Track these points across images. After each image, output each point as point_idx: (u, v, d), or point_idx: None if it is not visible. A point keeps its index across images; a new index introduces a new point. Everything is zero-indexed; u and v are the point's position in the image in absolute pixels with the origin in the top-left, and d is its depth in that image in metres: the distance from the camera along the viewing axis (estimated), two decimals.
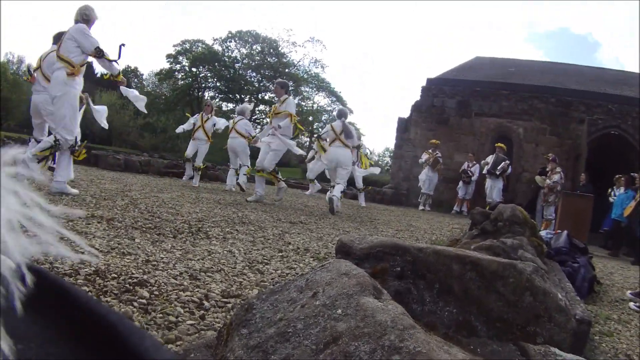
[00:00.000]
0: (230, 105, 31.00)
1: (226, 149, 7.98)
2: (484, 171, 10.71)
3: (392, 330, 0.90)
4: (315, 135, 8.57)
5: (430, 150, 11.36)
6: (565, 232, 4.10)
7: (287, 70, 30.78)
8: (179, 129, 8.37)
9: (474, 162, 11.45)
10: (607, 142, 11.61)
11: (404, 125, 13.49)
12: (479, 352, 1.19)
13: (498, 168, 10.35)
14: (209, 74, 31.96)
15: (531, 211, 8.74)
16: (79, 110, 4.59)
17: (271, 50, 32.13)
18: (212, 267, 2.32)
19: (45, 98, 5.37)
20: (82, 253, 0.44)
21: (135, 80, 35.41)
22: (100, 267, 1.97)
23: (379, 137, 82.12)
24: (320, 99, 34.24)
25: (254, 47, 32.42)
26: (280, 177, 6.59)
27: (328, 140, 6.92)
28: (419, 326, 0.98)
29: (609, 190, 9.68)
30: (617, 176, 9.32)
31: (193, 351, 1.21)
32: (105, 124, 5.09)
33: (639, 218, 7.36)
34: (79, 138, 4.46)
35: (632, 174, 8.21)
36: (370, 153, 11.34)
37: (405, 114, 13.76)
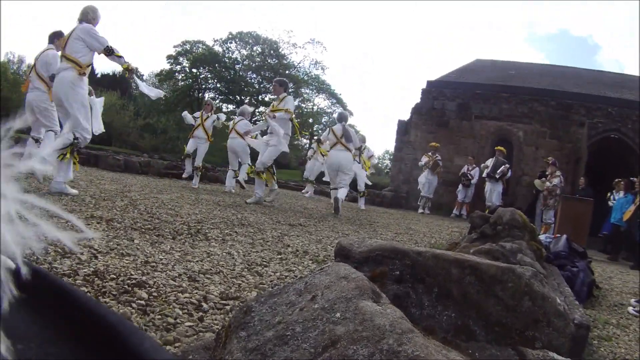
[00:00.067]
0: (231, 107, 31.03)
1: (226, 149, 8.01)
2: (484, 174, 10.71)
3: (390, 334, 0.90)
4: (315, 138, 8.58)
5: (430, 153, 11.37)
6: (564, 236, 4.10)
7: (287, 71, 30.80)
8: (185, 115, 8.36)
9: (474, 165, 11.45)
10: (607, 145, 11.62)
11: (404, 128, 13.50)
12: (477, 357, 1.19)
13: (498, 172, 10.35)
14: (209, 75, 31.98)
15: (531, 215, 8.74)
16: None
17: (271, 52, 32.17)
18: (211, 269, 2.32)
19: (39, 95, 5.42)
20: (78, 232, 0.43)
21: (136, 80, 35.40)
22: (99, 268, 1.97)
23: (379, 139, 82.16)
24: (321, 101, 34.29)
25: (255, 48, 32.45)
26: (275, 178, 6.53)
27: (329, 143, 6.95)
28: (418, 330, 0.98)
29: (608, 194, 9.69)
30: (616, 180, 9.33)
31: (191, 353, 1.21)
32: (101, 125, 5.10)
33: (638, 222, 7.36)
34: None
35: (631, 178, 8.22)
36: (375, 158, 11.33)
37: (405, 115, 13.79)
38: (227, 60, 31.96)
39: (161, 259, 2.34)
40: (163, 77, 32.02)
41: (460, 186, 11.46)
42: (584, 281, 3.24)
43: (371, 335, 0.90)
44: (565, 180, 10.07)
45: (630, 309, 3.20)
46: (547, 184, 9.12)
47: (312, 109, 33.37)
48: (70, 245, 0.38)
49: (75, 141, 4.21)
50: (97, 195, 4.34)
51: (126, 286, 1.81)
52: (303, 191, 11.22)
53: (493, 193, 10.41)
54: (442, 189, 11.91)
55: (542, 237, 3.97)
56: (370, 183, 9.49)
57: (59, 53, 4.35)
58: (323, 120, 33.00)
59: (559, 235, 4.42)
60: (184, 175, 8.48)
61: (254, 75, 32.04)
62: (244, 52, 32.64)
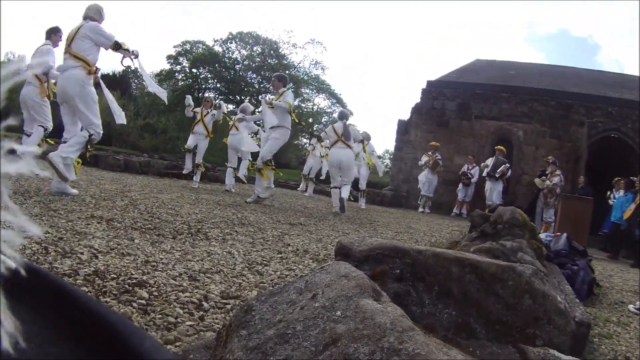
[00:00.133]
0: (231, 107, 30.99)
1: (226, 148, 8.04)
2: (484, 174, 10.71)
3: (391, 332, 0.90)
4: (315, 133, 8.56)
5: (430, 153, 11.37)
6: (564, 234, 4.10)
7: (287, 71, 30.73)
8: (188, 98, 8.34)
9: (474, 165, 11.45)
10: (607, 145, 11.62)
11: (404, 127, 13.50)
12: (478, 355, 1.19)
13: (498, 171, 10.35)
14: (209, 75, 31.95)
15: (531, 214, 8.74)
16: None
17: (271, 52, 32.14)
18: (211, 268, 2.32)
19: (31, 90, 5.49)
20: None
21: (136, 81, 35.39)
22: (99, 268, 1.97)
23: (379, 139, 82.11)
24: (321, 101, 34.26)
25: (255, 48, 32.42)
26: (273, 174, 6.35)
27: (330, 141, 6.99)
28: (418, 328, 0.98)
29: (608, 192, 9.69)
30: (616, 179, 9.33)
31: (192, 352, 1.21)
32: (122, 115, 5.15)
33: (638, 221, 7.37)
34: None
35: (631, 178, 8.22)
36: (378, 157, 11.32)
37: (405, 115, 13.78)
38: (227, 60, 31.93)
39: (162, 259, 2.34)
40: (163, 77, 31.96)
41: (460, 185, 11.46)
42: (584, 279, 3.24)
43: (372, 334, 0.90)
44: (565, 180, 10.07)
45: (630, 306, 3.20)
46: (547, 183, 9.12)
47: (312, 109, 33.36)
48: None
49: (91, 137, 4.29)
50: (98, 195, 4.34)
51: (127, 286, 1.81)
52: (299, 188, 11.22)
53: (493, 192, 10.41)
54: (442, 188, 11.91)
55: (542, 235, 3.97)
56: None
57: (63, 50, 4.36)
58: (323, 120, 32.96)
59: (559, 233, 4.43)
60: (184, 172, 8.48)
61: (254, 75, 32.02)
62: (244, 52, 32.62)
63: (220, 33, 70.02)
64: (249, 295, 1.99)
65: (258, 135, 8.20)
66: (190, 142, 8.10)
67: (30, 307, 0.41)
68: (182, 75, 31.76)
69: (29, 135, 5.68)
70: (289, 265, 2.70)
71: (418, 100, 13.32)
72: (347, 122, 6.96)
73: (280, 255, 2.93)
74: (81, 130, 4.28)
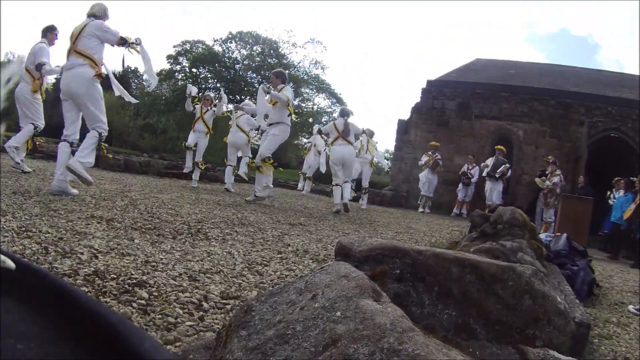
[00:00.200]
0: (231, 106, 30.96)
1: (226, 147, 8.06)
2: (484, 174, 10.71)
3: (391, 333, 0.90)
4: (315, 126, 8.58)
5: (430, 153, 11.36)
6: (564, 234, 4.10)
7: (287, 71, 30.75)
8: (190, 86, 8.36)
9: (474, 165, 11.45)
10: (607, 144, 11.62)
11: (404, 127, 13.50)
12: (478, 355, 1.19)
13: (497, 171, 10.35)
14: (209, 75, 31.96)
15: (531, 214, 8.74)
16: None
17: (271, 52, 32.15)
18: (211, 269, 2.32)
19: (24, 87, 5.54)
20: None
21: (136, 81, 35.39)
22: (99, 268, 1.97)
23: (379, 139, 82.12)
24: (321, 101, 34.27)
25: (254, 48, 32.43)
26: (271, 171, 6.29)
27: (331, 138, 7.02)
28: (418, 329, 0.98)
29: (608, 192, 9.69)
30: (616, 179, 9.33)
31: (192, 352, 1.21)
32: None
33: (638, 221, 7.36)
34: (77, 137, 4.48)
35: (631, 178, 8.22)
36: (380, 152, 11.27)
37: (405, 114, 13.78)
38: (227, 60, 31.94)
39: (161, 259, 2.34)
40: (163, 77, 31.96)
41: (460, 185, 11.46)
42: (584, 280, 3.24)
43: (372, 334, 0.90)
44: (565, 179, 10.07)
45: (630, 307, 3.20)
46: (547, 183, 9.12)
47: (312, 108, 33.36)
48: None
49: (101, 136, 4.36)
50: (97, 195, 4.34)
51: (127, 286, 1.81)
52: (299, 187, 11.24)
53: (493, 192, 10.41)
54: (442, 188, 11.91)
55: (542, 235, 3.97)
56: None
57: (66, 48, 4.38)
58: (323, 119, 32.97)
59: (559, 234, 4.43)
60: (184, 171, 8.48)
61: (254, 75, 32.02)
62: (244, 51, 32.62)
63: (220, 33, 70.13)
64: (248, 295, 1.99)
65: (259, 132, 8.20)
66: (191, 140, 8.12)
67: (30, 307, 0.41)
68: (182, 75, 31.77)
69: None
70: (289, 266, 2.70)
71: (418, 100, 13.33)
72: (349, 120, 7.00)
73: (280, 256, 2.93)
74: (89, 130, 4.34)
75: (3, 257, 0.43)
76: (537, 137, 12.02)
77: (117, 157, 9.50)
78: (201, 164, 8.10)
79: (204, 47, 31.51)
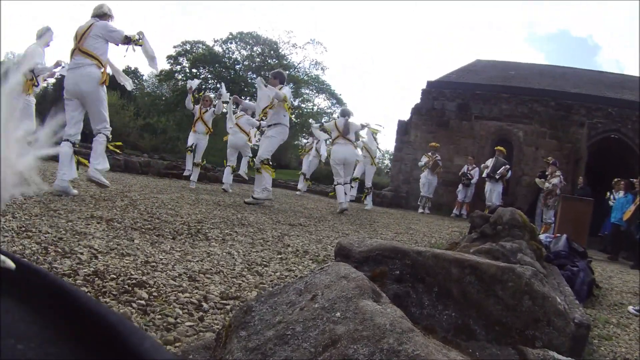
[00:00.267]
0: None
1: (225, 148, 8.07)
2: (484, 175, 10.71)
3: (390, 334, 0.90)
4: (314, 123, 8.58)
5: (430, 153, 11.36)
6: (564, 235, 4.10)
7: (287, 72, 30.76)
8: (190, 82, 8.36)
9: (474, 165, 11.45)
10: (607, 145, 11.62)
11: (404, 128, 13.50)
12: (477, 356, 1.19)
13: (497, 172, 10.35)
14: (209, 76, 31.97)
15: (531, 215, 8.74)
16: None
17: (271, 52, 32.16)
18: (211, 269, 2.32)
19: None
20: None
21: (136, 81, 35.40)
22: (99, 268, 1.97)
23: (379, 139, 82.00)
24: (321, 101, 34.27)
25: (255, 48, 32.45)
26: (273, 173, 6.26)
27: (332, 136, 7.07)
28: (418, 330, 0.98)
29: (608, 193, 9.68)
30: (616, 180, 9.32)
31: (192, 352, 1.21)
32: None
33: (638, 222, 7.36)
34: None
35: (631, 179, 8.22)
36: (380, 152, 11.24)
37: (405, 115, 13.79)
38: (227, 61, 31.95)
39: (161, 259, 2.34)
40: (163, 77, 32.00)
41: (460, 186, 11.46)
42: (584, 280, 3.24)
43: (371, 335, 0.90)
44: (565, 181, 10.07)
45: (630, 308, 3.20)
46: (547, 185, 9.12)
47: (312, 109, 33.37)
48: None
49: (108, 138, 4.49)
50: (97, 195, 4.34)
51: (126, 286, 1.81)
52: (299, 188, 11.25)
53: (493, 193, 10.41)
54: (442, 188, 11.91)
55: (542, 236, 3.97)
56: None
57: (71, 48, 4.39)
58: (323, 120, 32.99)
59: (559, 234, 4.42)
60: (185, 174, 8.49)
61: (254, 76, 31.99)
62: (244, 52, 32.64)
63: (220, 33, 70.12)
64: (248, 296, 1.99)
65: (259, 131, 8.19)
66: (191, 141, 8.14)
67: (30, 307, 0.41)
68: (182, 75, 31.77)
69: None
70: (289, 266, 2.70)
71: (418, 100, 13.33)
72: (349, 119, 7.04)
73: (280, 256, 2.93)
74: (95, 134, 4.44)
75: (3, 257, 0.43)
76: (537, 138, 12.02)
77: (116, 157, 9.50)
78: (200, 165, 8.11)
79: (204, 47, 31.53)
